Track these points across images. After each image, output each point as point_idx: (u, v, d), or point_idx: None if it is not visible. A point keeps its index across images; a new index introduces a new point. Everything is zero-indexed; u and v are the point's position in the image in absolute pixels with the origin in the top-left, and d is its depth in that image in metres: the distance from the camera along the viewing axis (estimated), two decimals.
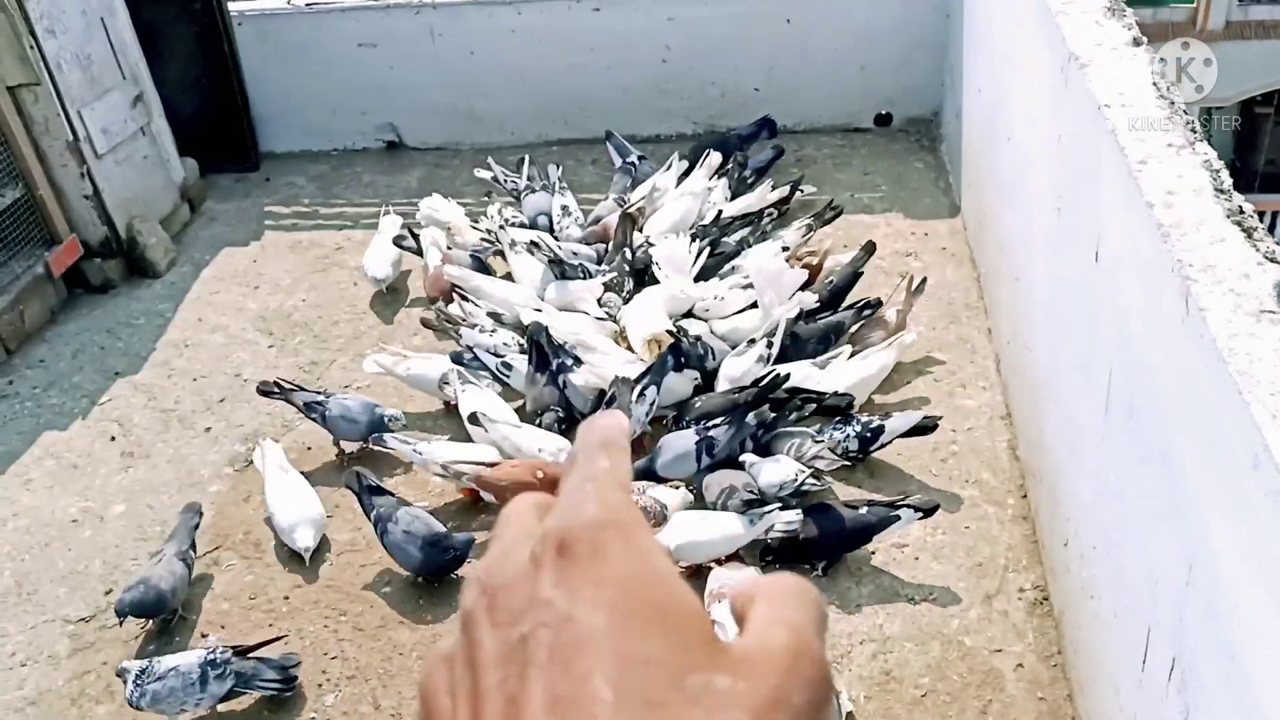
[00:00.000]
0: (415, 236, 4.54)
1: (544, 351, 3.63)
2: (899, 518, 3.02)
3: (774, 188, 4.74)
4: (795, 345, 3.77)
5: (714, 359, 3.73)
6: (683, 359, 3.61)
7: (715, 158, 4.86)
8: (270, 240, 5.11)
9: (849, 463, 3.38)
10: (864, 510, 3.07)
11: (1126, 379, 2.37)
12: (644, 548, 0.39)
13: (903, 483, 3.39)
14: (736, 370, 3.63)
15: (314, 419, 3.66)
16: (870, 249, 4.13)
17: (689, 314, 4.06)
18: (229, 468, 3.75)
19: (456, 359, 3.83)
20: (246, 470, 3.72)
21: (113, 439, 3.93)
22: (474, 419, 3.48)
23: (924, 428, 3.39)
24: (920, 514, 3.05)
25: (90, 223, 4.68)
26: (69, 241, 4.61)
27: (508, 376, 3.73)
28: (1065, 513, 2.88)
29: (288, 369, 4.21)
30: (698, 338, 3.74)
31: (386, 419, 3.56)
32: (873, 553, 3.17)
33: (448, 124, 5.73)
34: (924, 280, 4.02)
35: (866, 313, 3.89)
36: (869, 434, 3.33)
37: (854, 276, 4.07)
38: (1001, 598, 3.02)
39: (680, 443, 3.34)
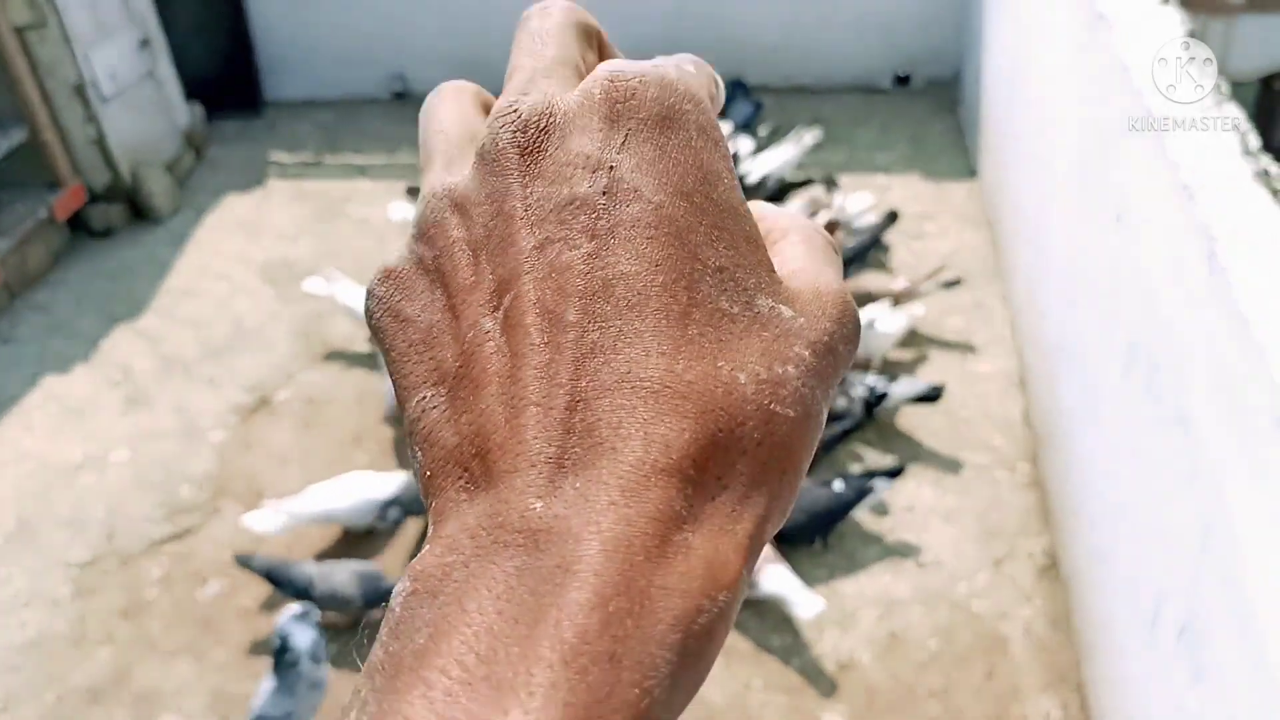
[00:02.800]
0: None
1: None
2: (873, 489, 2.99)
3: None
4: None
5: None
6: None
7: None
8: (275, 188, 5.05)
9: (853, 427, 3.35)
10: (837, 485, 3.01)
11: (1147, 342, 2.32)
12: (718, 140, 0.32)
13: (912, 448, 3.36)
14: None
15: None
16: (892, 217, 4.07)
17: None
18: (231, 416, 3.72)
19: None
20: (248, 418, 3.70)
21: (116, 385, 3.90)
22: None
23: (930, 396, 3.35)
24: (890, 477, 3.03)
25: (95, 167, 4.62)
26: (73, 186, 4.56)
27: None
28: (1078, 478, 2.85)
29: (291, 318, 4.17)
30: None
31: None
32: (883, 515, 3.15)
33: (457, 74, 5.53)
34: (957, 280, 3.93)
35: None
36: (874, 398, 3.30)
37: (873, 242, 4.03)
38: (1010, 562, 3.00)
39: None
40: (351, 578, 2.85)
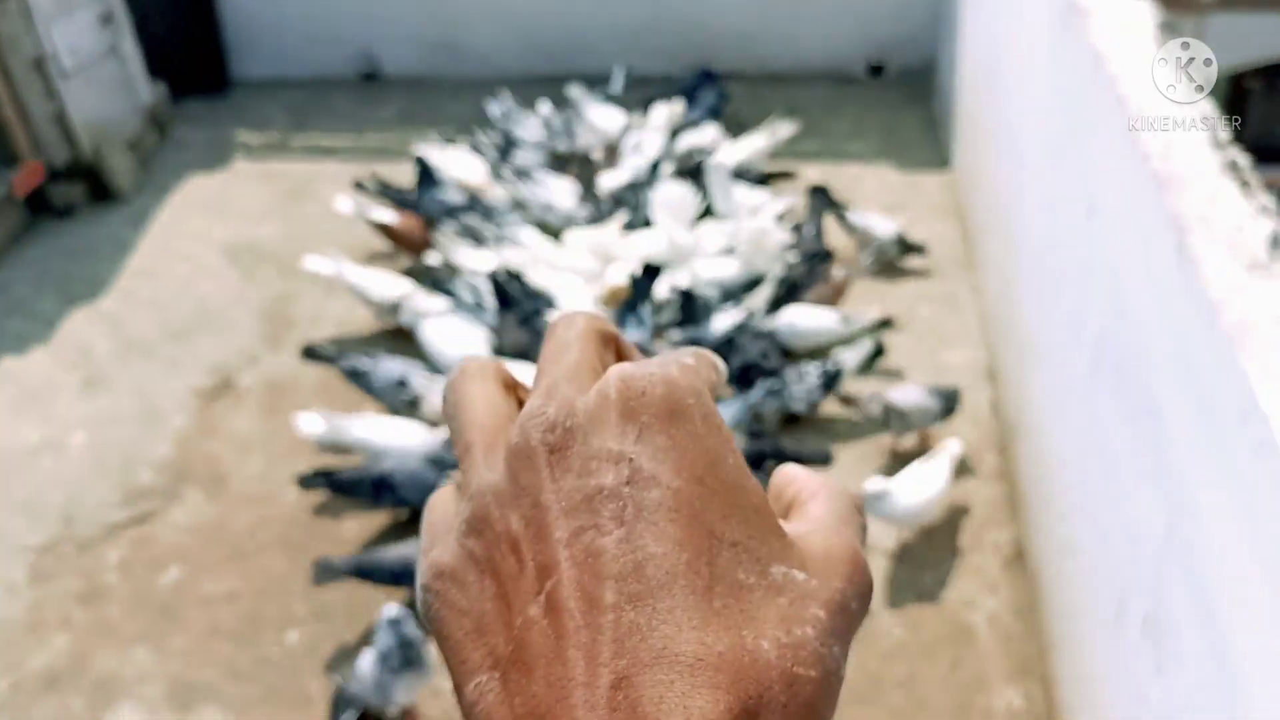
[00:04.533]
0: (380, 184, 4.40)
1: (506, 294, 3.58)
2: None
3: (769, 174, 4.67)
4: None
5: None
6: (650, 288, 3.57)
7: (677, 103, 4.82)
8: (240, 169, 4.97)
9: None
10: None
11: (1116, 335, 2.33)
12: (719, 425, 0.36)
13: (882, 437, 3.35)
14: (722, 327, 3.58)
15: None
16: (825, 197, 4.10)
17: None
18: (193, 399, 3.66)
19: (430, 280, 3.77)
20: (210, 402, 3.64)
21: (74, 367, 3.83)
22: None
23: (876, 354, 3.44)
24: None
25: (55, 144, 4.52)
26: (32, 163, 4.46)
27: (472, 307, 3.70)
28: (1046, 470, 2.86)
29: (255, 300, 4.11)
30: (684, 293, 3.66)
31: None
32: None
33: (428, 55, 5.58)
34: (873, 261, 3.97)
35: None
36: (829, 379, 3.32)
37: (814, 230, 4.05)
38: (977, 554, 3.00)
39: None
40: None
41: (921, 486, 2.92)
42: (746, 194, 4.27)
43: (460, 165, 4.48)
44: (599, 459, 0.33)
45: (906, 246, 4.09)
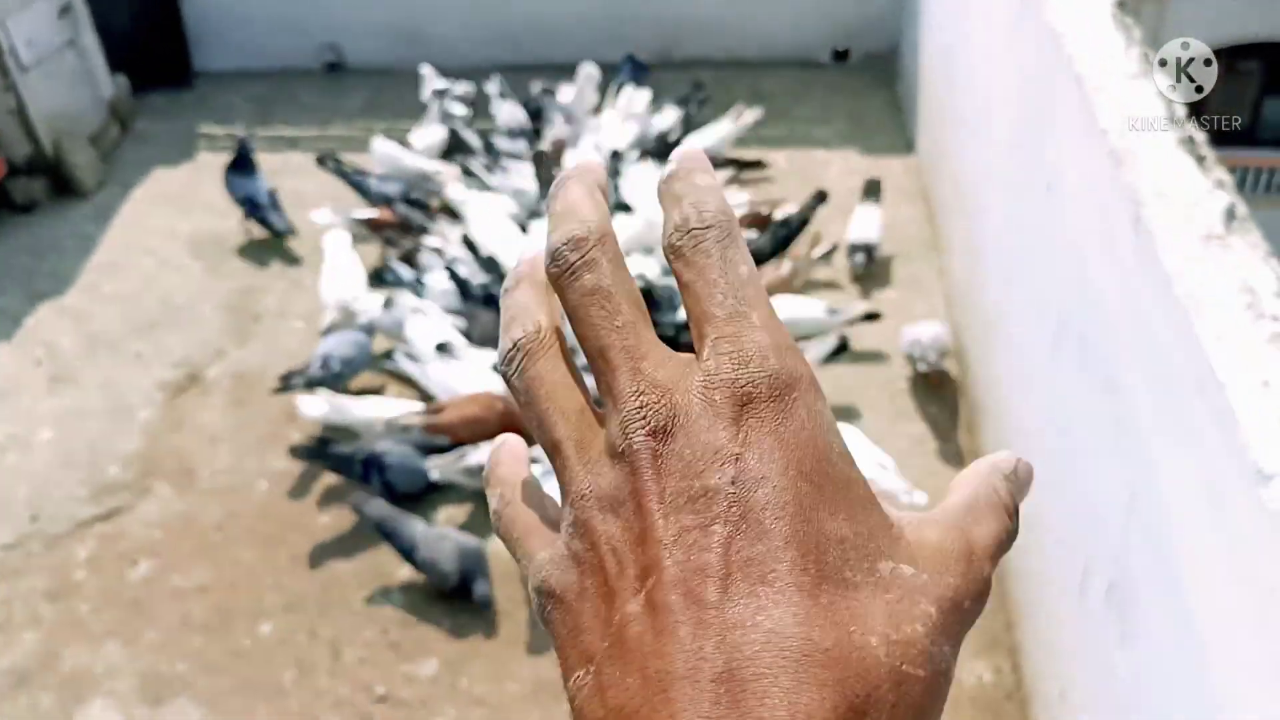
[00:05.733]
0: (337, 162, 4.39)
1: (462, 281, 3.59)
2: None
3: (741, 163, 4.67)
4: None
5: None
6: None
7: (630, 90, 4.83)
8: (204, 162, 4.92)
9: None
10: None
11: (1078, 310, 2.36)
12: (824, 415, 0.34)
13: (851, 418, 3.38)
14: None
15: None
16: (821, 197, 4.05)
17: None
18: (159, 394, 3.63)
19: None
20: (177, 396, 3.61)
21: (39, 363, 3.79)
22: (443, 348, 3.42)
23: (841, 349, 3.44)
24: None
25: (15, 139, 4.47)
26: None
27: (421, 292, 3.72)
28: (1011, 446, 2.89)
29: (221, 294, 4.08)
30: (645, 285, 3.66)
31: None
32: None
33: (392, 46, 5.54)
34: (834, 248, 3.97)
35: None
36: None
37: (803, 223, 4.01)
38: None
39: None
40: (454, 550, 2.84)
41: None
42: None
43: (424, 141, 4.53)
44: (704, 460, 0.32)
45: (869, 257, 4.00)
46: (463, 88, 4.96)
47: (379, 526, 2.90)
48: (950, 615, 0.33)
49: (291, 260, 4.25)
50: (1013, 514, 0.37)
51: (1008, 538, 0.37)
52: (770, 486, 0.32)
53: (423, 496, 3.12)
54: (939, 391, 3.47)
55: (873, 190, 4.13)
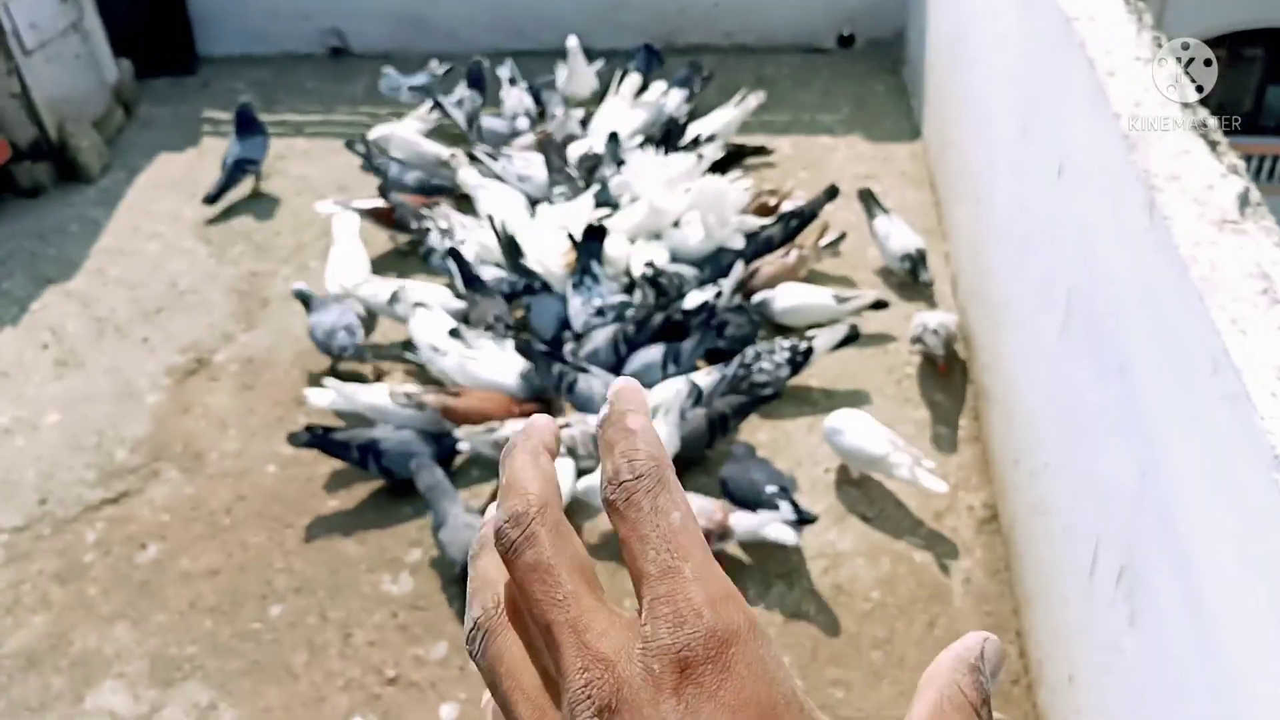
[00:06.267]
0: (366, 145, 4.38)
1: (466, 266, 3.61)
2: (778, 506, 2.86)
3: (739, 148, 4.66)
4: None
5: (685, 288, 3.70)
6: (598, 249, 3.61)
7: (635, 79, 4.81)
8: (209, 147, 4.91)
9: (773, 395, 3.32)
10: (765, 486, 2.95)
11: (1087, 294, 2.36)
12: (768, 667, 0.34)
13: (857, 402, 3.38)
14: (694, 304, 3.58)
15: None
16: (832, 192, 4.02)
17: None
18: (166, 378, 3.63)
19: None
20: (185, 380, 3.61)
21: (45, 347, 3.79)
22: (455, 334, 3.41)
23: (849, 339, 3.41)
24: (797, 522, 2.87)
25: (19, 123, 4.45)
26: None
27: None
28: (1018, 432, 2.89)
29: (228, 278, 4.08)
30: (655, 272, 3.66)
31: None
32: (826, 471, 3.17)
33: (395, 32, 5.53)
34: (841, 236, 3.94)
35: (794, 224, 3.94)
36: (799, 357, 3.32)
37: (811, 217, 4.00)
38: (951, 515, 3.04)
39: (648, 354, 3.37)
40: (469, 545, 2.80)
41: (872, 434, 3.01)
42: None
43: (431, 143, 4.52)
44: None
45: (915, 268, 3.85)
46: (421, 79, 4.95)
47: (424, 494, 2.95)
48: None
49: (299, 246, 4.25)
50: (979, 709, 0.37)
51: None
52: None
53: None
54: (946, 378, 3.47)
55: (872, 199, 4.06)
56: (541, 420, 0.42)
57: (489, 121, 4.67)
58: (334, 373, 3.51)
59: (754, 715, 0.33)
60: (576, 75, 4.83)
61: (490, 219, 3.81)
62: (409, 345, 3.52)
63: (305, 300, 3.57)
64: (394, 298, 3.58)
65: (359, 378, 3.48)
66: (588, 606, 0.36)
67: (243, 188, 4.52)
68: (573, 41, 4.79)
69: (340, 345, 3.44)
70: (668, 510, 0.36)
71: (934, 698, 0.36)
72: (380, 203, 4.07)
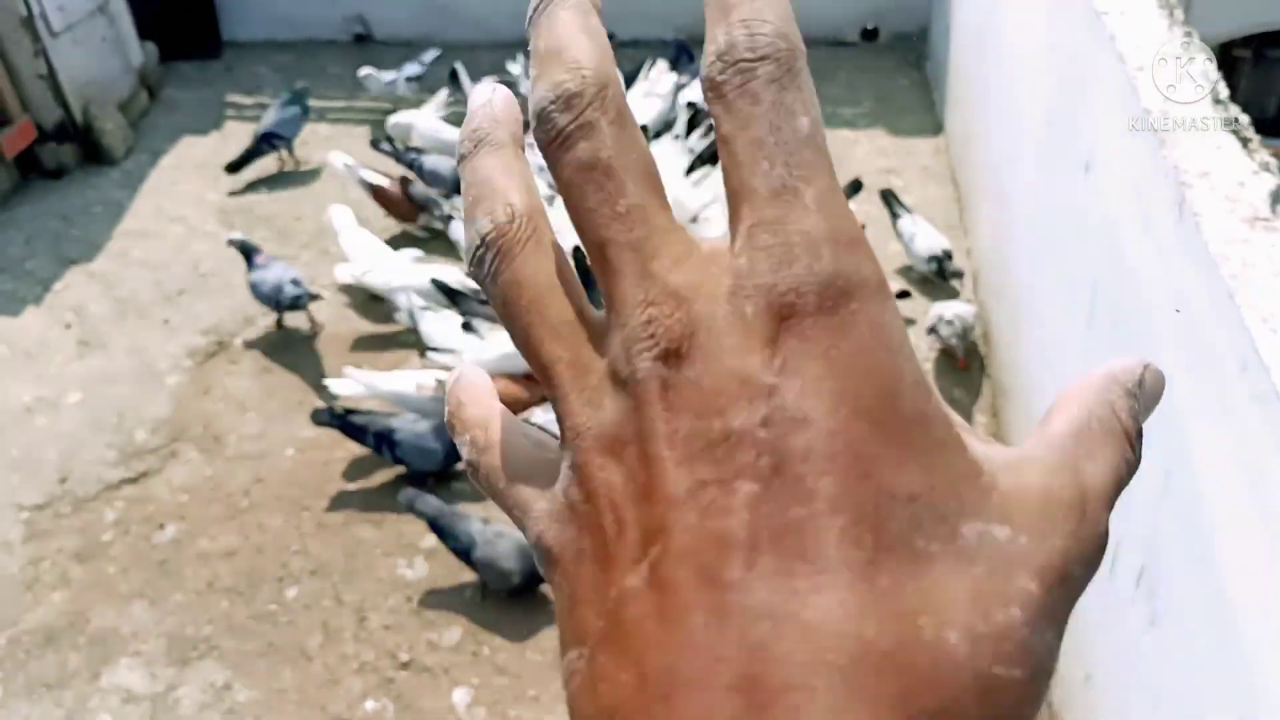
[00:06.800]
0: (391, 142, 4.38)
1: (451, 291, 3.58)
2: None
3: None
4: None
5: None
6: None
7: (663, 65, 4.80)
8: (232, 131, 4.93)
9: None
10: None
11: (1113, 291, 2.34)
12: (894, 332, 0.25)
13: None
14: None
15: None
16: (855, 187, 4.00)
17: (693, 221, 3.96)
18: (188, 360, 3.65)
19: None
20: (205, 363, 3.63)
21: (68, 327, 3.81)
22: (468, 328, 3.40)
23: None
24: None
25: (44, 104, 4.48)
26: (22, 123, 4.41)
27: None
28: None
29: None
30: None
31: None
32: None
33: (420, 18, 5.53)
34: (861, 228, 3.87)
35: None
36: None
37: None
38: None
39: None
40: (513, 548, 2.75)
41: None
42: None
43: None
44: (728, 394, 0.25)
45: (943, 268, 3.79)
46: (414, 69, 4.95)
47: (432, 524, 2.83)
48: (1056, 590, 0.25)
49: (320, 230, 4.26)
50: (1134, 441, 0.29)
51: (1128, 473, 0.29)
52: (814, 430, 0.24)
53: (444, 474, 3.12)
54: (963, 373, 3.46)
55: (894, 199, 4.03)
56: None
57: None
58: (279, 326, 3.63)
59: (871, 389, 0.24)
60: None
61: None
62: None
63: (247, 253, 3.59)
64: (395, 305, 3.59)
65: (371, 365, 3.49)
66: (659, 226, 0.27)
67: (267, 163, 4.53)
68: None
69: (292, 296, 3.52)
70: (795, 112, 0.26)
71: (1079, 414, 0.29)
72: (386, 181, 4.08)
